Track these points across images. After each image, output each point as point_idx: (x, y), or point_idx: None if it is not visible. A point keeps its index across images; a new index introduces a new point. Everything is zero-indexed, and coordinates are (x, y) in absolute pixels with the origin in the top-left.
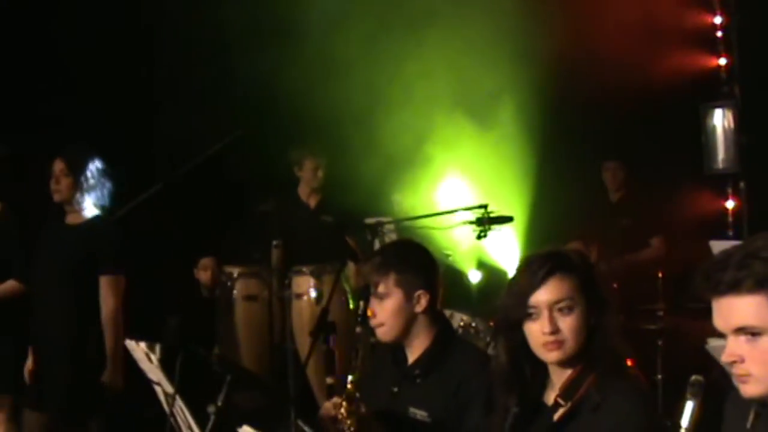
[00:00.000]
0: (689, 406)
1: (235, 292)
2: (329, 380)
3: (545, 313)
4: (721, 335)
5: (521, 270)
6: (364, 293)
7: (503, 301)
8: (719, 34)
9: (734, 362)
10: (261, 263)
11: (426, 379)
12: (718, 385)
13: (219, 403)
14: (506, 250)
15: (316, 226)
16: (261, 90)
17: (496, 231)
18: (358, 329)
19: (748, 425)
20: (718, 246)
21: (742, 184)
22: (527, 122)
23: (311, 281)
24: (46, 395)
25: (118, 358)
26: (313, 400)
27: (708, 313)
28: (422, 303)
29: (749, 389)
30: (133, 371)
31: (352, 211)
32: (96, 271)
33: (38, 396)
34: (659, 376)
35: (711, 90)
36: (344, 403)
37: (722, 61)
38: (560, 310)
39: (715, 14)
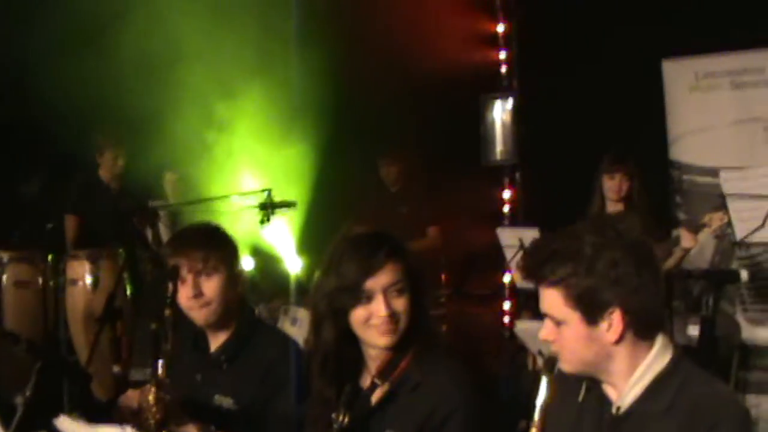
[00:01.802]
0: (544, 381)
1: (4, 277)
2: (116, 368)
3: (379, 297)
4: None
5: (348, 254)
6: (173, 274)
7: (326, 286)
8: (500, 29)
9: (547, 340)
10: (31, 247)
11: (231, 365)
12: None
13: (28, 393)
14: (281, 238)
15: (117, 210)
16: (21, 69)
17: (280, 216)
18: (167, 312)
19: (580, 398)
20: (503, 234)
21: (518, 175)
22: (310, 114)
23: (87, 266)
24: None
25: None
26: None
27: (489, 299)
28: (239, 287)
29: (565, 366)
30: None
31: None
32: None
33: None
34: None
35: (491, 82)
36: (153, 389)
37: (502, 55)
38: (394, 292)
39: (497, 17)
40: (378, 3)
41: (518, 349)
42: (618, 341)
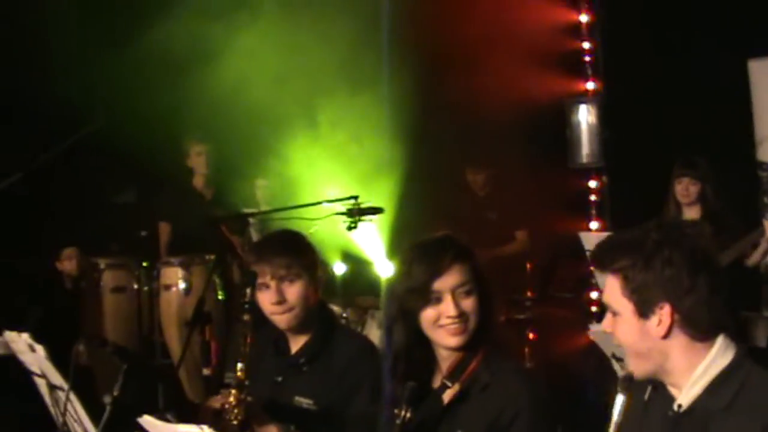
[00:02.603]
0: (620, 400)
1: (102, 283)
2: (206, 371)
3: (448, 297)
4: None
5: (417, 257)
6: (251, 280)
7: (397, 289)
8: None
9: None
10: (126, 254)
11: (311, 367)
12: (600, 369)
13: (115, 393)
14: (371, 242)
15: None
16: (121, 81)
17: (367, 222)
18: (246, 317)
19: (646, 397)
20: (587, 238)
21: (604, 178)
22: (396, 116)
23: (180, 272)
24: None
25: None
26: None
27: (574, 301)
28: (315, 293)
29: (629, 366)
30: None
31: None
32: None
33: None
34: (528, 365)
35: (576, 86)
36: (234, 391)
37: (587, 59)
38: (463, 293)
39: (580, 12)
40: (465, 10)
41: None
42: (666, 337)
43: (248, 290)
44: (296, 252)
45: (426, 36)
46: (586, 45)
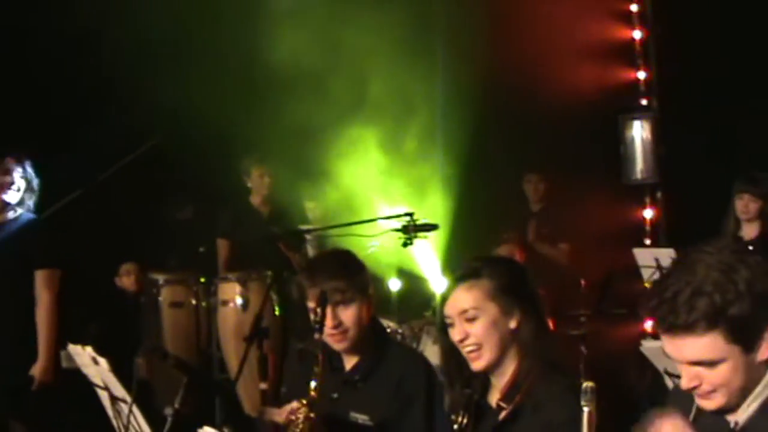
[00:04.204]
0: (585, 412)
1: (161, 298)
2: (263, 386)
3: (456, 322)
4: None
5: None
6: (324, 300)
7: (439, 306)
8: (638, 48)
9: (694, 387)
10: (185, 270)
11: (366, 383)
12: (655, 384)
13: (176, 405)
14: (426, 258)
15: (266, 234)
16: (181, 99)
17: (422, 239)
18: (317, 336)
19: (691, 418)
20: (640, 254)
21: (659, 194)
22: (449, 132)
23: (237, 288)
24: None
25: (51, 350)
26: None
27: (628, 317)
28: (369, 312)
29: (713, 404)
30: None
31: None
32: (31, 267)
33: None
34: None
35: (630, 102)
36: (304, 409)
37: (641, 75)
38: (467, 319)
39: (634, 28)
40: (521, 25)
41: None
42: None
43: (319, 309)
44: (349, 274)
45: (481, 41)
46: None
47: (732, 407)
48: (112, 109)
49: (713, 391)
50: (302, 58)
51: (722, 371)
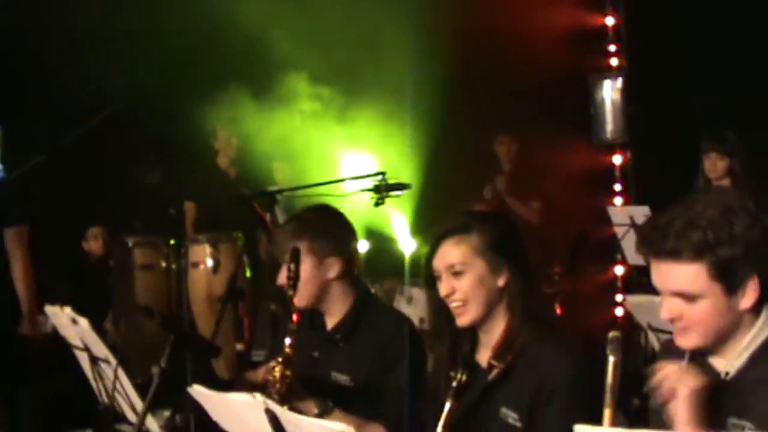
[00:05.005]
0: (611, 362)
1: (131, 261)
2: (239, 346)
3: (443, 276)
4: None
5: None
6: (296, 256)
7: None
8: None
9: (672, 319)
10: (154, 232)
11: (347, 343)
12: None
13: (163, 364)
14: (396, 219)
15: (236, 195)
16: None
17: (394, 199)
18: (290, 293)
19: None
20: (614, 212)
21: (629, 154)
22: (420, 93)
23: (208, 250)
24: None
25: (35, 305)
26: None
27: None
28: (335, 269)
29: (687, 342)
30: None
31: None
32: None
33: None
34: None
35: (600, 62)
36: (279, 367)
37: (610, 21)
38: (454, 274)
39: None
40: None
41: (632, 326)
42: (750, 309)
43: (292, 266)
44: (308, 232)
45: (452, 12)
46: (610, 20)
47: (708, 349)
48: (80, 72)
49: (689, 328)
50: (269, 20)
51: (701, 308)
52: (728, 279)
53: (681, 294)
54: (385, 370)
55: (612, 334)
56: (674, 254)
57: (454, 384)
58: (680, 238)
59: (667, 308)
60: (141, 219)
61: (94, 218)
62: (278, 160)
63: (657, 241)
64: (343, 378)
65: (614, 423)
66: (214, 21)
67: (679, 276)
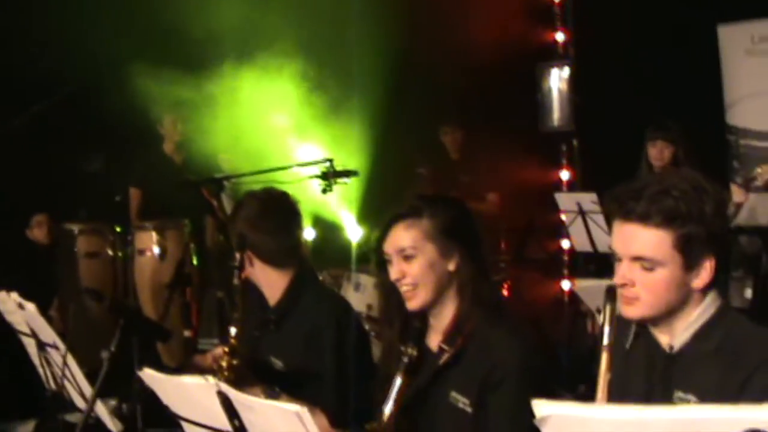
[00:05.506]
0: (608, 310)
1: (76, 249)
2: (187, 333)
3: (394, 259)
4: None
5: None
6: (242, 244)
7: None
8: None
9: (624, 285)
10: (99, 220)
11: (280, 327)
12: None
13: (112, 348)
14: (343, 207)
15: (179, 182)
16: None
17: (341, 185)
18: (236, 281)
19: (628, 345)
20: (562, 198)
21: (575, 142)
22: (366, 82)
23: (154, 237)
24: None
25: None
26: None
27: (548, 264)
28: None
29: (634, 311)
30: None
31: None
32: None
33: None
34: None
35: (548, 51)
36: (226, 356)
37: (558, 24)
38: (404, 258)
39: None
40: None
41: (578, 313)
42: (701, 290)
43: (238, 254)
44: (235, 215)
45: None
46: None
47: (652, 321)
48: (23, 57)
49: (638, 298)
50: (215, 6)
51: (657, 278)
52: (689, 254)
53: (640, 258)
54: (313, 361)
55: (609, 284)
56: (643, 217)
57: (405, 360)
58: (652, 203)
59: (622, 273)
60: (86, 206)
61: (38, 205)
62: (224, 148)
63: (628, 203)
64: (277, 363)
65: (610, 366)
66: (161, 4)
67: (644, 240)
